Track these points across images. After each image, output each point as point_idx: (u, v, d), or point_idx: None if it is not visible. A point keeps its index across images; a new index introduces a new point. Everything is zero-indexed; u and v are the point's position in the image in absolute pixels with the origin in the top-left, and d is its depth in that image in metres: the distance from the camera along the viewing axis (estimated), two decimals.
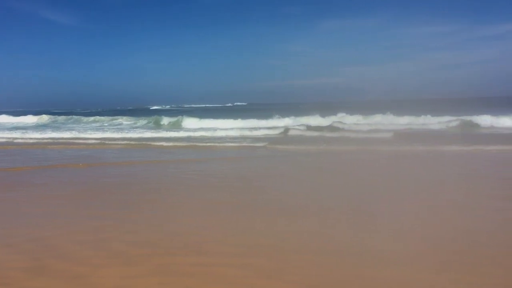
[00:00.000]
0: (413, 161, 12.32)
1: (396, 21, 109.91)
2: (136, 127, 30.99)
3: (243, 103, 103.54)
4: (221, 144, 17.73)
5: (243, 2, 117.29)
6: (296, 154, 14.39)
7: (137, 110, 67.88)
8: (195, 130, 24.54)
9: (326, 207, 7.15)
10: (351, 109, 28.43)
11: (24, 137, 23.17)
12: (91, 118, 41.00)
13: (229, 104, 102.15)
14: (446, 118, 25.09)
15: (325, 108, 28.22)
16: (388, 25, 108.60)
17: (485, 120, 23.74)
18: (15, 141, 21.56)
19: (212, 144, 17.94)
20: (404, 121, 25.87)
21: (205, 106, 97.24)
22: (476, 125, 23.36)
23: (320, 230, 5.94)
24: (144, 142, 19.11)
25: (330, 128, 23.94)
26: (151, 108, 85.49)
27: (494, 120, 23.54)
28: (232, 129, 24.36)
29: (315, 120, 27.55)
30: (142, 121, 35.14)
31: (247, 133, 22.37)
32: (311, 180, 9.78)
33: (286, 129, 22.98)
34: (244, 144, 17.68)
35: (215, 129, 24.16)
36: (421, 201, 7.33)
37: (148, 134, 23.18)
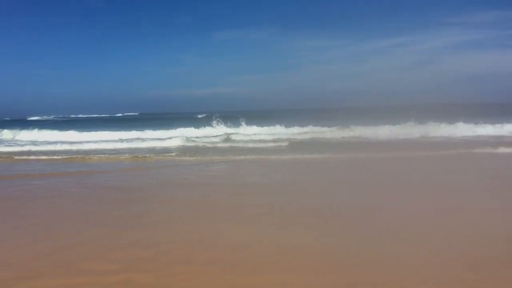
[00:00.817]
0: (300, 168, 12.77)
1: (286, 35, 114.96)
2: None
3: (135, 113, 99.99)
4: (99, 156, 16.66)
5: (134, 11, 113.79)
6: (189, 165, 13.99)
7: (12, 122, 61.70)
8: (72, 143, 22.58)
9: (209, 215, 7.01)
10: (246, 119, 28.74)
11: None
12: None
13: (119, 114, 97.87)
14: (336, 127, 26.24)
15: (220, 118, 28.16)
16: (279, 38, 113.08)
17: (367, 129, 25.22)
18: None
19: (95, 156, 16.79)
20: (296, 131, 26.70)
21: (94, 117, 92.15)
22: (355, 134, 24.47)
23: (204, 239, 5.72)
24: (12, 156, 17.25)
25: (224, 138, 23.85)
26: (28, 119, 78.31)
27: (373, 129, 25.03)
28: (121, 140, 23.14)
29: (209, 130, 27.34)
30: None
31: (134, 145, 21.27)
32: (198, 189, 9.51)
33: (178, 140, 22.35)
34: (130, 155, 16.75)
35: (99, 141, 22.71)
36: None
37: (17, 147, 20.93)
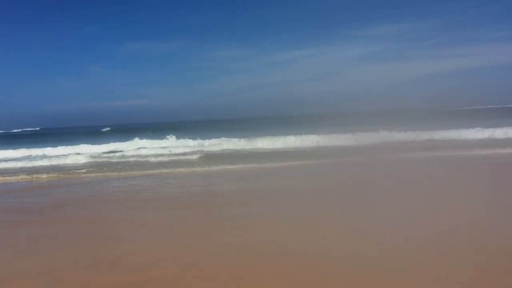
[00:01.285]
0: (210, 180, 12.67)
1: (197, 45, 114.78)
2: None
3: (35, 128, 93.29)
4: None
5: (34, 20, 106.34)
6: (93, 182, 13.27)
7: None
8: None
9: (113, 234, 6.72)
10: (156, 131, 28.02)
11: None
12: None
13: (17, 130, 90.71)
14: (246, 139, 26.38)
15: (128, 130, 27.16)
16: (190, 49, 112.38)
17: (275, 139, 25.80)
18: None
19: None
20: (207, 143, 26.39)
21: None
22: (262, 146, 24.89)
23: (105, 261, 5.42)
24: None
25: (132, 152, 22.96)
26: None
27: (284, 139, 25.70)
28: (19, 159, 21.40)
29: (116, 144, 26.19)
30: None
31: (34, 163, 19.68)
32: (101, 207, 9.08)
33: (82, 156, 21.07)
34: (27, 175, 15.50)
35: None
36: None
37: None
